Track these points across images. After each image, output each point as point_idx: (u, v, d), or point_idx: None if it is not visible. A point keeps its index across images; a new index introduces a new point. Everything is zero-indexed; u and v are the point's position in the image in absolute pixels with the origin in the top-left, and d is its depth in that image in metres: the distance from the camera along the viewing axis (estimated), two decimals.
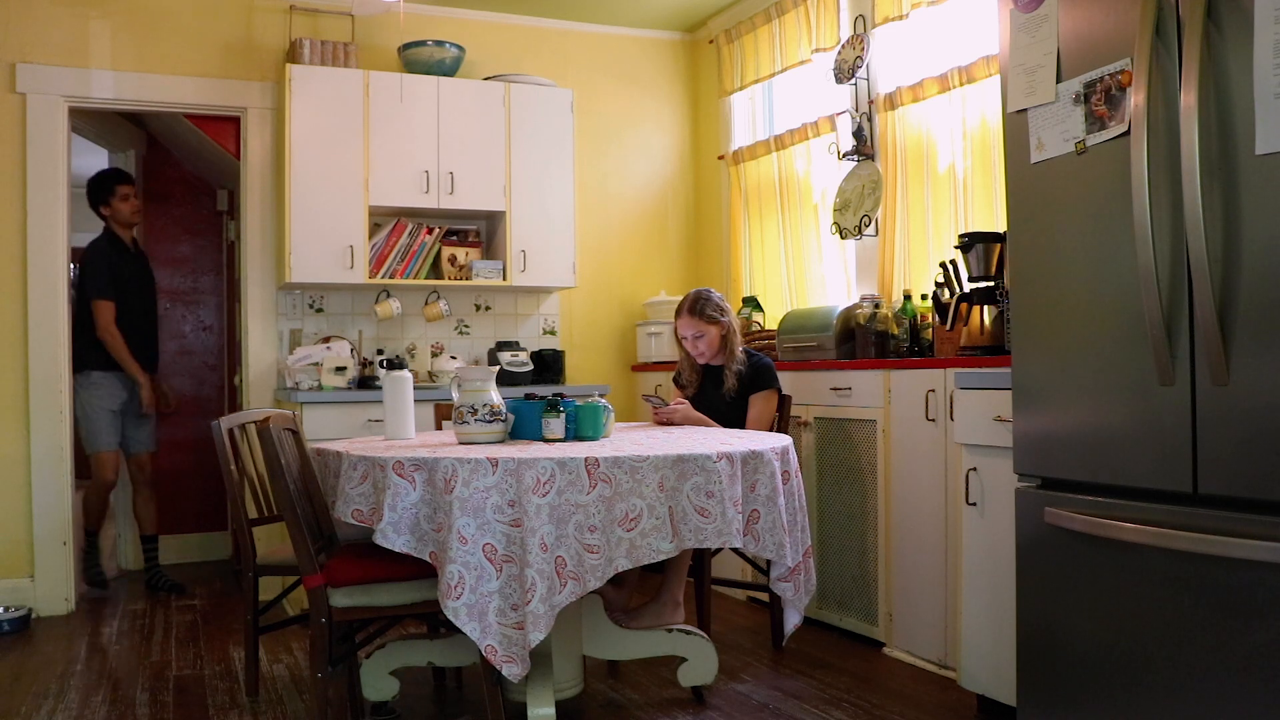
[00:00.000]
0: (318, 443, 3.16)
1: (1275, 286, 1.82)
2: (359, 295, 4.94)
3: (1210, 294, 1.89)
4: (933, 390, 3.38)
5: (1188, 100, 1.91)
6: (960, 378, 2.94)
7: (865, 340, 3.82)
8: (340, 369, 4.49)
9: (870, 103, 4.25)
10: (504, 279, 4.88)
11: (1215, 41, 1.91)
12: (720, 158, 5.37)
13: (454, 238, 5.00)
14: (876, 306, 3.85)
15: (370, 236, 4.70)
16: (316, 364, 4.52)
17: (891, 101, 4.10)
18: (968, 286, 3.39)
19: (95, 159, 6.01)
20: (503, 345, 5.04)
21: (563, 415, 2.95)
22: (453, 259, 4.95)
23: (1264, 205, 1.83)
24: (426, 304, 4.96)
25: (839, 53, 4.33)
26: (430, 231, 4.89)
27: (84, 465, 4.78)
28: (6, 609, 4.22)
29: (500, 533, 2.52)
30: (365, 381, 4.58)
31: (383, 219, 4.84)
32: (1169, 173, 1.99)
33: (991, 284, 3.32)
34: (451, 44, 4.88)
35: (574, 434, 3.01)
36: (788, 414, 3.81)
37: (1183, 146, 1.92)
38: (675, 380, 4.08)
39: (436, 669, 3.37)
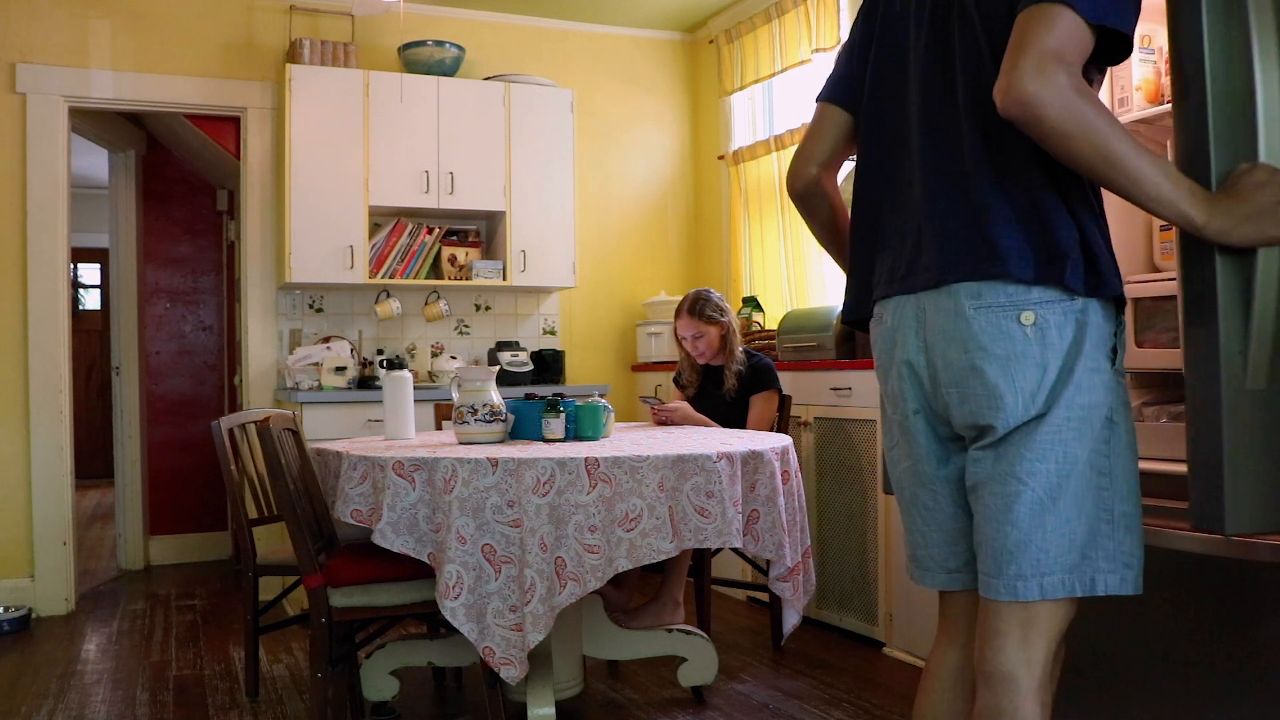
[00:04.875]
0: (318, 443, 3.16)
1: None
2: (359, 295, 4.94)
3: None
4: None
5: None
6: None
7: (865, 340, 3.82)
8: (340, 369, 4.49)
9: None
10: (504, 279, 4.88)
11: None
12: (720, 158, 5.37)
13: (454, 238, 5.00)
14: None
15: (370, 236, 4.70)
16: (316, 364, 4.52)
17: None
18: None
19: (95, 159, 6.02)
20: (503, 345, 5.04)
21: (563, 415, 2.95)
22: (453, 259, 4.95)
23: None
24: (426, 304, 4.96)
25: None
26: (430, 231, 4.89)
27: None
28: (6, 609, 4.22)
29: (499, 533, 2.52)
30: (365, 381, 4.58)
31: (383, 219, 4.84)
32: None
33: None
34: (451, 44, 4.88)
35: (574, 434, 3.01)
36: (788, 414, 3.81)
37: None
38: (675, 380, 4.08)
39: (436, 669, 3.37)
